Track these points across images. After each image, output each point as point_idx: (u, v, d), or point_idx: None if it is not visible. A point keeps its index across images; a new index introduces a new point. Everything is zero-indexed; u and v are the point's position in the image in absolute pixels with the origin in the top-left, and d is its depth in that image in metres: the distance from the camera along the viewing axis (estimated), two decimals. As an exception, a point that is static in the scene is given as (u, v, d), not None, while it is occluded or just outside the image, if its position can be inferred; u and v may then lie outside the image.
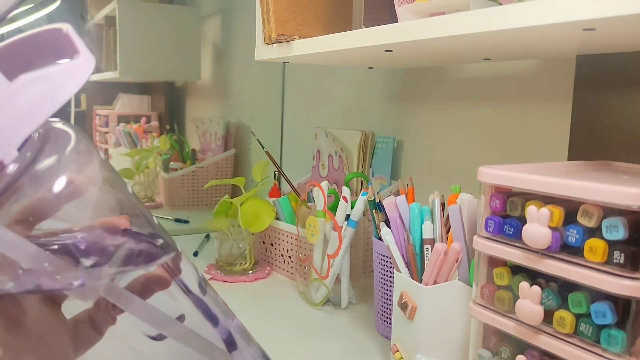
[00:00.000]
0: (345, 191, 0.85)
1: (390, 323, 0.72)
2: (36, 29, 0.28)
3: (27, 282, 0.25)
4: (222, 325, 0.33)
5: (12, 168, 0.25)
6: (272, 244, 1.06)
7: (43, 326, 0.29)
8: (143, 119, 1.62)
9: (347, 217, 0.84)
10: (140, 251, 0.30)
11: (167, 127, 1.65)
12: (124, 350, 0.32)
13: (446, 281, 0.61)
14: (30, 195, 0.26)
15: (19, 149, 0.25)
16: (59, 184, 0.26)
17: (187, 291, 0.33)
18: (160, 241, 0.31)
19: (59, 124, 0.29)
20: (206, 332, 0.33)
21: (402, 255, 0.66)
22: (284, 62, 0.90)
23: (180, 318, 0.32)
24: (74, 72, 0.25)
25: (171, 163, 1.54)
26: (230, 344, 0.33)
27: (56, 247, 0.27)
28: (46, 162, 0.26)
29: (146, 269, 0.30)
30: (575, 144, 0.72)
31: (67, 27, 0.27)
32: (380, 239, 0.74)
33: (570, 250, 0.45)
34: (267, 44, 0.81)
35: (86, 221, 0.29)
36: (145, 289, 0.31)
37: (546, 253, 0.46)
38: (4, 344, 0.28)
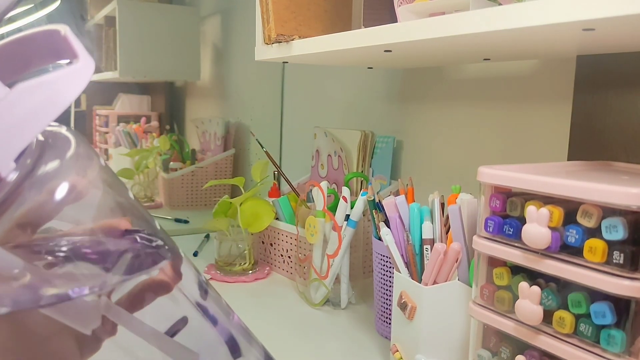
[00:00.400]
0: (345, 191, 0.85)
1: (389, 323, 0.72)
2: (33, 29, 0.27)
3: (28, 297, 0.25)
4: (224, 327, 0.33)
5: (11, 177, 0.25)
6: (271, 244, 1.06)
7: (49, 330, 0.29)
8: (143, 119, 1.62)
9: (347, 217, 0.84)
10: (142, 257, 0.30)
11: (167, 127, 1.65)
12: (123, 357, 0.31)
13: (446, 281, 0.61)
14: (32, 200, 0.26)
15: (18, 158, 0.25)
16: (61, 189, 0.26)
17: (189, 295, 0.32)
18: (162, 246, 0.31)
19: (57, 129, 0.29)
20: (208, 336, 0.33)
21: (402, 255, 0.66)
22: (284, 62, 0.90)
23: (183, 321, 0.31)
24: (73, 78, 0.25)
25: (171, 163, 1.54)
26: (233, 347, 0.33)
27: (58, 254, 0.27)
28: (47, 168, 0.26)
29: (148, 274, 0.30)
30: (575, 144, 0.72)
31: (65, 29, 0.27)
32: (380, 239, 0.74)
33: (569, 251, 0.45)
34: (267, 44, 0.81)
35: (87, 223, 0.29)
36: (147, 294, 0.31)
37: (546, 253, 0.46)
38: (10, 348, 0.28)
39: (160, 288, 0.31)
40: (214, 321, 0.33)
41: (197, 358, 0.31)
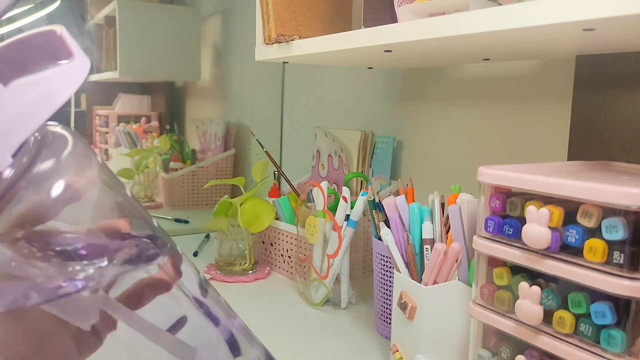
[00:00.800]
0: (345, 191, 0.85)
1: (390, 323, 0.72)
2: (30, 31, 0.28)
3: (36, 294, 0.25)
4: (224, 326, 0.33)
5: (8, 173, 0.25)
6: (271, 244, 1.06)
7: (47, 330, 0.29)
8: (143, 119, 1.62)
9: (347, 217, 0.84)
10: (140, 254, 0.30)
11: (167, 127, 1.65)
12: (125, 356, 0.31)
13: (446, 281, 0.61)
14: (29, 199, 0.26)
15: (15, 154, 0.25)
16: (58, 188, 0.26)
17: (188, 293, 0.32)
18: (160, 243, 0.31)
19: (55, 128, 0.29)
20: (208, 334, 0.33)
21: (402, 255, 0.66)
22: (284, 62, 0.90)
23: (182, 320, 0.31)
24: (68, 76, 0.25)
25: (171, 163, 1.54)
26: (233, 345, 0.33)
27: (56, 251, 0.27)
28: (44, 166, 0.26)
29: (145, 270, 0.30)
30: (575, 144, 0.72)
31: (60, 29, 0.27)
32: (380, 239, 0.74)
33: (570, 251, 0.45)
34: (267, 44, 0.81)
35: (86, 224, 0.29)
36: (146, 292, 0.31)
37: (546, 253, 0.46)
38: (8, 347, 0.28)
39: (159, 286, 0.31)
40: (214, 320, 0.33)
41: (194, 352, 0.31)
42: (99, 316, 0.29)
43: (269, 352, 0.35)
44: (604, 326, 0.42)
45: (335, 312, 0.86)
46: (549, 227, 0.45)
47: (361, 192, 0.88)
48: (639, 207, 0.40)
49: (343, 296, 0.87)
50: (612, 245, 0.42)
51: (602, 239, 0.42)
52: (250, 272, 1.02)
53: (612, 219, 0.41)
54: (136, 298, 0.30)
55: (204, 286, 0.34)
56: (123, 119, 1.61)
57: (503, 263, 0.51)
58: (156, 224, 0.32)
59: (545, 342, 0.47)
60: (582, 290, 0.44)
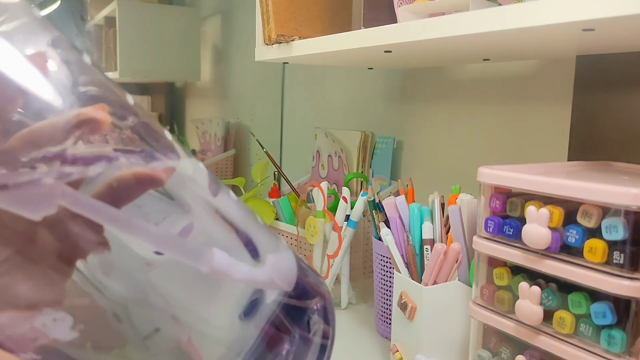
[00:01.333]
0: (345, 191, 0.85)
1: (390, 323, 0.72)
2: None
3: None
4: (240, 230, 0.27)
5: None
6: (272, 245, 1.06)
7: None
8: (143, 120, 1.62)
9: (347, 217, 0.84)
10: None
11: (167, 127, 1.65)
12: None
13: (446, 281, 0.61)
14: None
15: None
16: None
17: (193, 192, 0.25)
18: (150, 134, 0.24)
19: None
20: (222, 238, 0.26)
21: (402, 255, 0.66)
22: (284, 63, 0.90)
23: (189, 227, 0.25)
24: None
25: (171, 163, 1.54)
26: (253, 250, 0.27)
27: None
28: None
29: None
30: (575, 144, 0.72)
31: None
32: (380, 239, 0.74)
33: (570, 251, 0.45)
34: (267, 44, 0.81)
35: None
36: (132, 186, 0.23)
37: (546, 253, 0.46)
38: None
39: (150, 182, 0.23)
40: (230, 224, 0.26)
41: (212, 258, 0.24)
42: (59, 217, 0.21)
43: (302, 260, 0.29)
44: (604, 326, 0.42)
45: (335, 312, 0.86)
46: (549, 227, 0.45)
47: (361, 192, 0.88)
48: (639, 207, 0.40)
49: (343, 296, 0.87)
50: (612, 245, 0.42)
51: (602, 239, 0.42)
52: (250, 272, 1.02)
53: (612, 219, 0.41)
54: (113, 195, 0.22)
55: (213, 187, 0.26)
56: (123, 119, 1.62)
57: (503, 263, 0.51)
58: (131, 100, 0.25)
59: (545, 343, 0.47)
60: (582, 291, 0.44)
